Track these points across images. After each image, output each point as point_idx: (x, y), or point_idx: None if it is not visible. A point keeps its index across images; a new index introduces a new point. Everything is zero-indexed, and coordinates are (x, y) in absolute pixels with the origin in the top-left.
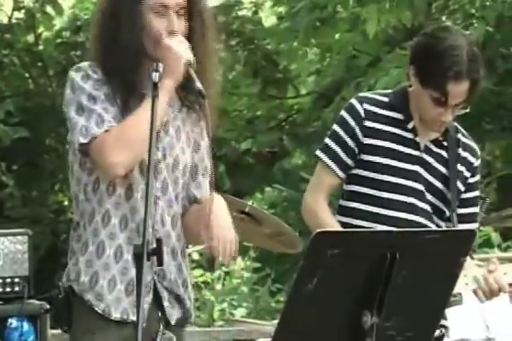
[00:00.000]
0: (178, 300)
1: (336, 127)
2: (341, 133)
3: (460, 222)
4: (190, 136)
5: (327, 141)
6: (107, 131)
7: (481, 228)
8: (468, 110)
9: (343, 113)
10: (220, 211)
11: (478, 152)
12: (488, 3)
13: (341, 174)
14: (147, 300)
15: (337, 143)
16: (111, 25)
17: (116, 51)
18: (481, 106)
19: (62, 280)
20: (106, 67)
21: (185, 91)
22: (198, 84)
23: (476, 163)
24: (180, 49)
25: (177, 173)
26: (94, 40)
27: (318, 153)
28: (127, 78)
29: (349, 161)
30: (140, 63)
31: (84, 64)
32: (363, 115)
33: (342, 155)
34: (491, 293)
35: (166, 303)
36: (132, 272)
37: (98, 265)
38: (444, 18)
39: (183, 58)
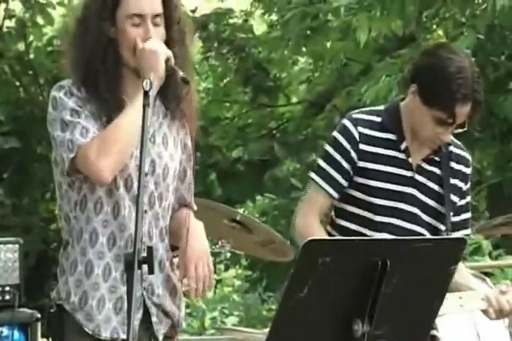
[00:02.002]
0: (166, 314)
1: (329, 149)
2: (336, 155)
3: (453, 230)
4: (177, 140)
5: (321, 163)
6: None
7: (472, 236)
8: (466, 129)
9: (336, 135)
10: (197, 240)
11: (470, 159)
12: (478, 12)
13: (335, 194)
14: (137, 316)
15: (331, 165)
16: (83, 42)
17: (94, 66)
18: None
19: (52, 295)
20: (87, 84)
21: (166, 97)
22: (180, 73)
23: (468, 171)
24: (156, 46)
25: (168, 181)
26: (69, 56)
27: (312, 176)
28: (110, 93)
29: (344, 183)
30: (120, 74)
31: (68, 81)
32: (358, 138)
33: (337, 177)
34: (501, 313)
35: (154, 319)
36: (121, 290)
37: (87, 285)
38: (434, 26)
39: (161, 54)
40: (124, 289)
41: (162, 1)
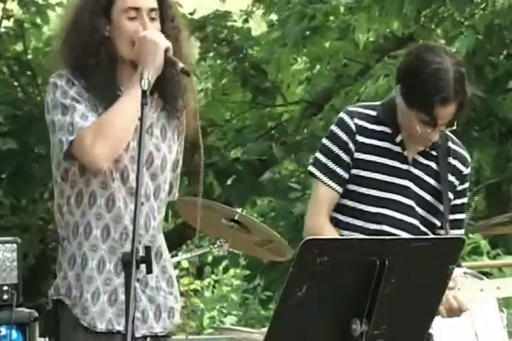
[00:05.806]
0: (159, 309)
1: (327, 142)
2: (334, 148)
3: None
4: (175, 131)
5: (319, 156)
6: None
7: (470, 236)
8: (455, 127)
9: (334, 128)
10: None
11: (469, 159)
12: (477, 12)
13: (339, 188)
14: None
15: (331, 159)
16: (77, 39)
17: (85, 62)
18: (470, 114)
19: (50, 292)
20: (80, 77)
21: (164, 90)
22: (180, 64)
23: (466, 170)
24: (156, 36)
25: (165, 173)
26: (62, 52)
27: (312, 169)
28: (104, 86)
29: (345, 175)
30: (115, 69)
31: (66, 71)
32: (354, 130)
33: (337, 169)
34: (451, 311)
35: (150, 314)
36: (115, 282)
37: (83, 278)
38: (433, 26)
39: (161, 45)
40: (118, 281)
41: None
